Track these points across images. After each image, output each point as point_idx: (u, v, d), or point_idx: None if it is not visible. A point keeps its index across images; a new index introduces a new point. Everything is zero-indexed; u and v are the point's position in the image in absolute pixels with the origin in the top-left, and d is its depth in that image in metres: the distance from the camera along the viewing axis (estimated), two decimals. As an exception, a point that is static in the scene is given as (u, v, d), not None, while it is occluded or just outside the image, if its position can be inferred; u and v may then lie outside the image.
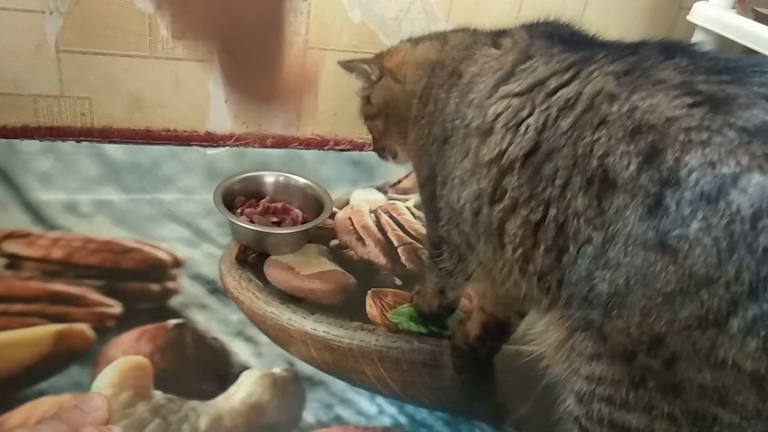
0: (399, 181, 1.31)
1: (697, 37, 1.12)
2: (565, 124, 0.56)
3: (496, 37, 0.76)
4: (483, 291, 0.86)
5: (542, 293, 0.61)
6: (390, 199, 1.26)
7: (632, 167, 0.51)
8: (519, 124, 0.60)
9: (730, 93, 0.50)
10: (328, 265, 1.06)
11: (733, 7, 1.07)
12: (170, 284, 0.95)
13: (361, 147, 1.29)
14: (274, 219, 1.10)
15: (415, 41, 0.91)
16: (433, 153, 0.79)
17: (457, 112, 0.72)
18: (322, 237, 1.12)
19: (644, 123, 0.51)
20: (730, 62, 0.53)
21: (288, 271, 1.03)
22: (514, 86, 0.63)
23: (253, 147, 1.21)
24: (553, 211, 0.57)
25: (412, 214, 1.22)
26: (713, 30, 1.08)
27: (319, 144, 1.26)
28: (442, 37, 0.87)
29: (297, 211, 1.12)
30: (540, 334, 0.63)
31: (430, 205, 0.83)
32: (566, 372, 0.58)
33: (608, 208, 0.52)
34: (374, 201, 1.25)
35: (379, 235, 1.15)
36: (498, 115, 0.63)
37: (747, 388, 0.47)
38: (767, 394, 0.46)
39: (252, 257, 1.04)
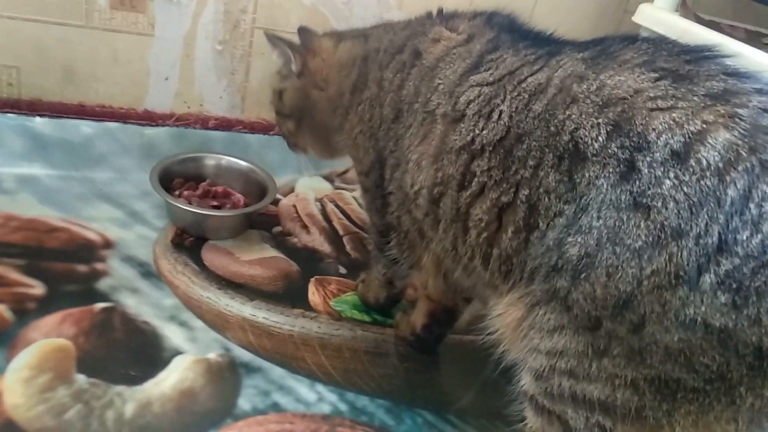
0: (346, 171, 1.28)
1: (641, 39, 1.14)
2: (537, 107, 0.57)
3: (444, 17, 0.76)
4: (426, 280, 0.85)
5: (501, 276, 0.60)
6: (336, 188, 1.24)
7: (602, 137, 0.52)
8: (491, 111, 0.61)
9: (691, 69, 0.52)
10: (270, 252, 1.02)
11: (677, 10, 1.11)
12: (99, 266, 0.90)
13: (308, 134, 1.26)
14: (214, 203, 1.06)
15: (337, 39, 0.89)
16: (381, 137, 0.77)
17: (416, 94, 0.71)
18: (264, 223, 1.08)
19: (613, 96, 0.53)
20: (686, 46, 0.56)
21: (227, 256, 0.99)
22: (485, 75, 0.64)
23: (194, 128, 1.17)
24: (524, 192, 0.57)
25: (359, 203, 1.20)
26: (657, 31, 1.11)
27: (265, 128, 1.22)
28: (362, 36, 0.87)
29: (239, 195, 1.08)
30: (495, 317, 0.61)
31: (375, 191, 0.81)
32: (524, 351, 0.58)
33: (580, 181, 0.52)
34: (320, 189, 1.22)
35: (324, 224, 1.12)
36: (469, 103, 0.63)
37: (713, 348, 0.47)
38: (732, 353, 0.47)
39: (189, 241, 0.99)
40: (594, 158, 0.52)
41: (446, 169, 0.64)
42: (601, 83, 0.54)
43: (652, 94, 0.51)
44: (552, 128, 0.55)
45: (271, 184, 1.08)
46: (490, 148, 0.59)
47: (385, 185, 0.78)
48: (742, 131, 0.47)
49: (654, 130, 0.49)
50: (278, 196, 1.13)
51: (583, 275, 0.51)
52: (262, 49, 1.16)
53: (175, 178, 1.06)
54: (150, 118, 1.14)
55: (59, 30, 1.03)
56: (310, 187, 1.22)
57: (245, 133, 1.21)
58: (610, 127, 0.52)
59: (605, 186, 0.51)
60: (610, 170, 0.51)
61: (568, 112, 0.55)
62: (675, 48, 0.56)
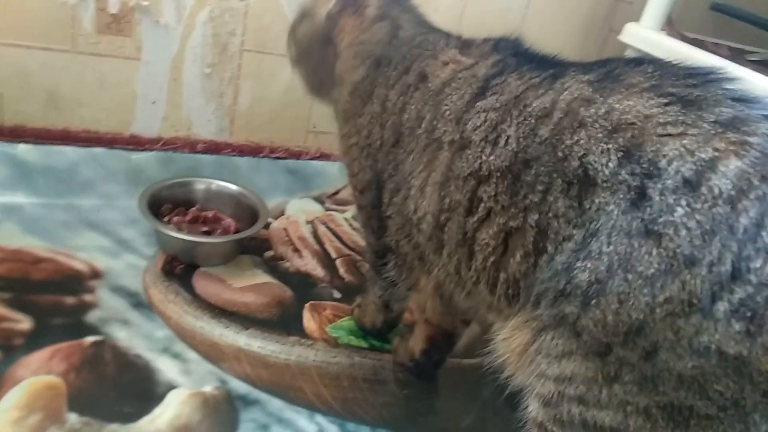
0: (337, 192, 1.27)
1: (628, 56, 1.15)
2: (544, 131, 0.56)
3: (460, 42, 0.75)
4: (424, 303, 0.84)
5: (507, 300, 0.59)
6: (327, 210, 1.22)
7: (612, 163, 0.51)
8: (498, 137, 0.60)
9: (698, 94, 0.52)
10: (263, 277, 1.00)
11: (662, 29, 1.12)
12: (88, 297, 0.87)
13: (298, 155, 1.25)
14: (205, 228, 1.04)
15: (379, 15, 0.83)
16: (380, 158, 0.76)
17: (419, 119, 0.69)
18: (256, 248, 1.06)
19: (622, 121, 0.52)
20: (691, 69, 0.55)
21: (219, 283, 0.97)
22: (491, 100, 0.63)
23: (183, 152, 1.15)
24: (533, 217, 0.56)
25: (351, 225, 1.18)
26: (643, 50, 1.12)
27: (254, 151, 1.21)
28: (393, 27, 0.81)
29: (229, 220, 1.06)
30: (500, 341, 0.61)
31: (372, 211, 0.80)
32: (531, 376, 0.57)
33: (590, 207, 0.52)
34: (311, 211, 1.21)
35: (317, 247, 1.11)
36: (476, 129, 0.62)
37: (727, 375, 0.47)
38: (746, 380, 0.46)
39: (180, 268, 0.97)
40: (604, 184, 0.51)
41: (453, 195, 0.63)
42: (609, 107, 0.54)
43: (662, 120, 0.51)
44: (560, 153, 0.55)
45: (263, 207, 1.06)
46: (498, 174, 0.59)
47: (383, 209, 0.77)
48: (754, 159, 0.47)
49: (665, 156, 0.49)
50: (269, 219, 1.11)
51: (593, 301, 0.51)
52: (251, 72, 1.15)
53: (163, 204, 1.04)
54: (137, 143, 1.12)
55: (44, 55, 1.01)
56: (301, 210, 1.20)
57: (234, 156, 1.19)
58: (621, 154, 0.51)
59: (616, 212, 0.50)
60: (621, 197, 0.50)
61: (576, 137, 0.54)
62: (681, 71, 0.55)
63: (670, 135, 0.50)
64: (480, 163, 0.60)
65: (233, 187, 1.09)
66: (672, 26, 1.13)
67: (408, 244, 0.73)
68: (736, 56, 1.18)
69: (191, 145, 1.16)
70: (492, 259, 0.59)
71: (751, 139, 0.48)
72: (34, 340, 0.78)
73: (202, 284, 0.95)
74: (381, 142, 0.75)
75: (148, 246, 1.00)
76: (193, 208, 1.06)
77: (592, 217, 0.52)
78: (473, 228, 0.61)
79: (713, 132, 0.49)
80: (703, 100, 0.51)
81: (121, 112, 1.10)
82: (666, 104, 0.52)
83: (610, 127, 0.53)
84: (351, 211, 1.22)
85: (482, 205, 0.60)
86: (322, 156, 1.28)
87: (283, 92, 1.20)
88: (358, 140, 0.79)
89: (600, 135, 0.53)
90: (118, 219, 1.04)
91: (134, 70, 1.07)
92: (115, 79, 1.07)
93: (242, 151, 1.20)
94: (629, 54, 1.15)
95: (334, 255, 1.09)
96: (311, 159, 1.27)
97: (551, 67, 0.63)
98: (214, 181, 1.10)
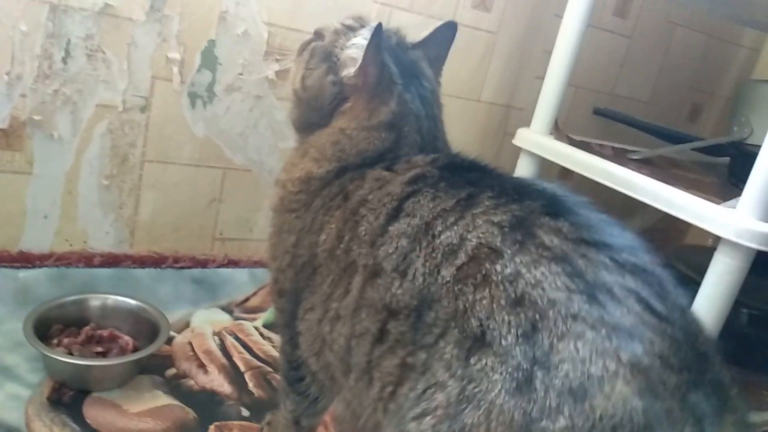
0: (246, 299, 1.23)
1: (522, 159, 1.23)
2: (446, 273, 0.55)
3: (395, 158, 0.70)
4: (343, 415, 0.79)
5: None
6: (236, 319, 1.18)
7: (510, 338, 0.49)
8: (407, 269, 0.58)
9: (607, 282, 0.50)
10: (163, 399, 0.93)
11: (551, 133, 1.20)
12: (-44, 439, 0.77)
13: (204, 264, 1.21)
14: (99, 348, 0.97)
15: (379, 123, 0.72)
16: (302, 277, 0.71)
17: (338, 239, 0.66)
18: (156, 366, 0.99)
19: (527, 296, 0.50)
20: (604, 233, 0.54)
21: (113, 409, 0.89)
22: (403, 225, 0.60)
23: (77, 267, 1.08)
24: (422, 356, 0.54)
25: (261, 334, 1.14)
26: (535, 152, 1.20)
27: (156, 262, 1.16)
28: (397, 142, 0.72)
29: (127, 338, 1.00)
30: None
31: (289, 319, 0.75)
32: None
33: (474, 363, 0.49)
34: (218, 322, 1.15)
35: (224, 360, 1.05)
36: (388, 256, 0.60)
37: None
38: None
39: (68, 396, 0.89)
40: (498, 352, 0.49)
41: (364, 323, 0.60)
42: (515, 271, 0.51)
43: (563, 311, 0.48)
44: (461, 305, 0.52)
45: (164, 322, 1.01)
46: (406, 311, 0.57)
47: (296, 324, 0.73)
48: (642, 388, 0.45)
49: (559, 353, 0.47)
50: (172, 333, 1.05)
51: None
52: (152, 182, 1.13)
53: (53, 325, 0.97)
54: (25, 260, 1.05)
55: None
56: (208, 321, 1.15)
57: (135, 268, 1.14)
58: (521, 331, 0.49)
59: (500, 386, 0.48)
60: (509, 371, 0.48)
61: (479, 295, 0.52)
62: (593, 236, 0.53)
63: (568, 331, 0.47)
64: (390, 297, 0.58)
65: (132, 301, 1.04)
66: (559, 130, 1.21)
67: (317, 363, 0.70)
68: (619, 155, 1.28)
69: (87, 259, 1.10)
70: (389, 389, 0.57)
71: (644, 361, 0.46)
72: None
73: (93, 412, 0.87)
74: (303, 261, 0.71)
75: (34, 373, 0.91)
76: (87, 327, 0.99)
77: (472, 374, 0.49)
78: (378, 357, 0.59)
79: (608, 344, 0.46)
80: (608, 291, 0.49)
81: (8, 228, 1.04)
82: (572, 291, 0.49)
83: (514, 296, 0.50)
84: (262, 319, 1.18)
85: (390, 336, 0.58)
86: (230, 263, 1.25)
87: (188, 201, 1.18)
88: (286, 243, 0.74)
89: (503, 302, 0.50)
90: (0, 344, 0.95)
91: (24, 185, 1.02)
92: (1, 194, 1.01)
93: (144, 262, 1.15)
94: (523, 158, 1.22)
95: (242, 368, 1.04)
96: (218, 267, 1.23)
97: (469, 185, 0.61)
98: (111, 296, 1.04)
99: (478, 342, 0.50)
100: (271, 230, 0.78)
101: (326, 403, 0.79)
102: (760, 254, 0.90)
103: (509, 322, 0.49)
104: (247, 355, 1.08)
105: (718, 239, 0.87)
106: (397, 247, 0.59)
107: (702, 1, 1.43)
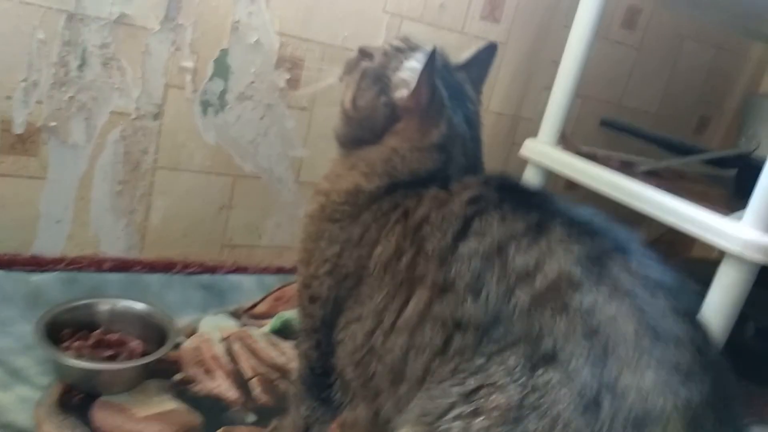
0: (254, 306, 1.24)
1: (528, 170, 1.23)
2: (523, 296, 0.57)
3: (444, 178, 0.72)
4: (358, 422, 0.79)
5: None
6: (243, 325, 1.19)
7: (581, 361, 0.52)
8: (480, 288, 0.59)
9: (665, 323, 0.53)
10: (170, 404, 0.94)
11: (558, 144, 1.21)
12: (-33, 439, 0.78)
13: (212, 270, 1.22)
14: (109, 352, 0.98)
15: (430, 144, 0.72)
16: (344, 287, 0.72)
17: (397, 254, 0.67)
18: (164, 371, 1.00)
19: (600, 330, 0.53)
20: (661, 273, 0.58)
21: (121, 413, 0.90)
22: (473, 245, 0.62)
23: (88, 271, 1.10)
24: (479, 361, 0.56)
25: (269, 341, 1.15)
26: (542, 163, 1.20)
27: (166, 267, 1.18)
28: (445, 164, 0.73)
29: (136, 342, 1.01)
30: None
31: (320, 325, 0.75)
32: None
33: (541, 375, 0.52)
34: (226, 328, 1.16)
35: (230, 366, 1.06)
36: (460, 275, 0.61)
37: None
38: None
39: (78, 399, 0.90)
40: (566, 370, 0.52)
41: (427, 335, 0.61)
42: (593, 305, 0.54)
43: (632, 345, 0.52)
44: (536, 327, 0.55)
45: (172, 327, 1.02)
46: (475, 327, 0.58)
47: (335, 331, 0.73)
48: (690, 427, 0.49)
49: (625, 383, 0.50)
50: (180, 338, 1.06)
51: None
52: (164, 188, 1.14)
53: (64, 328, 0.98)
54: (37, 264, 1.06)
55: (-61, 175, 0.97)
56: (215, 327, 1.16)
57: (144, 273, 1.15)
58: (592, 358, 0.51)
59: (566, 401, 0.50)
60: (576, 391, 0.50)
61: (556, 322, 0.54)
62: (659, 279, 0.57)
63: (635, 363, 0.51)
64: (461, 313, 0.60)
65: (140, 306, 1.05)
66: (567, 140, 1.22)
67: (354, 371, 0.70)
68: (626, 168, 1.28)
69: (98, 264, 1.11)
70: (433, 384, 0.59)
71: (694, 403, 0.50)
72: None
73: (101, 416, 0.88)
74: (346, 271, 0.72)
75: (44, 375, 0.92)
76: (97, 331, 1.00)
77: (538, 386, 0.52)
78: (436, 366, 0.60)
79: (670, 380, 0.50)
80: (669, 335, 0.53)
81: (22, 232, 1.05)
82: (641, 325, 0.52)
83: (588, 330, 0.53)
84: (269, 325, 1.19)
85: (452, 348, 0.59)
86: (239, 269, 1.26)
87: (198, 207, 1.19)
88: (326, 252, 0.74)
89: (579, 332, 0.53)
90: (11, 347, 0.96)
91: (38, 189, 1.04)
92: (16, 198, 1.03)
93: (153, 267, 1.17)
94: (529, 169, 1.23)
95: (249, 374, 1.05)
96: (227, 273, 1.25)
97: (534, 209, 0.63)
98: (120, 301, 1.05)
99: (548, 358, 0.53)
100: (304, 236, 0.78)
101: (342, 411, 0.79)
102: (764, 267, 0.90)
103: (583, 347, 0.52)
104: (254, 361, 1.08)
105: (722, 252, 0.88)
106: (470, 266, 0.61)
107: (710, 13, 1.44)
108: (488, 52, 0.82)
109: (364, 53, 0.79)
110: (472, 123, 0.77)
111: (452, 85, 0.76)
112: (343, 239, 0.73)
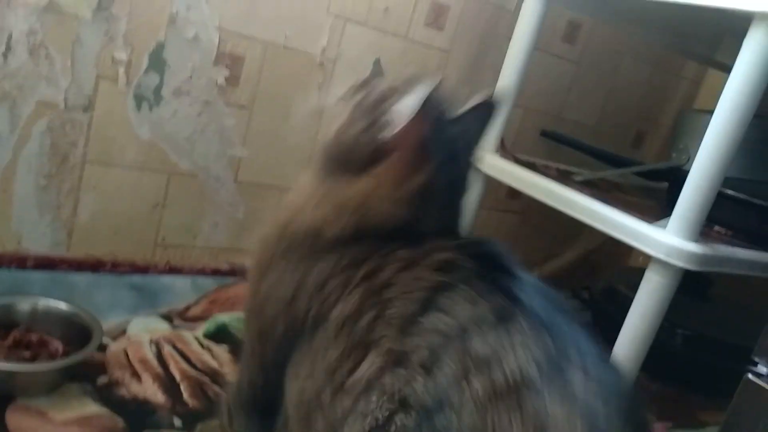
0: (188, 308, 1.21)
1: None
2: (478, 386, 0.54)
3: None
4: None
5: None
6: (176, 328, 1.15)
7: None
8: (432, 367, 0.56)
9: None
10: (91, 408, 0.90)
11: (497, 151, 1.23)
12: None
13: (144, 270, 1.19)
14: (27, 354, 0.93)
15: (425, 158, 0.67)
16: (293, 333, 0.68)
17: (358, 314, 0.62)
18: (88, 374, 0.96)
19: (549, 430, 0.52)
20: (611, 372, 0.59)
21: (38, 417, 0.85)
22: (436, 321, 0.58)
23: (9, 268, 1.05)
24: None
25: (201, 344, 1.12)
26: (481, 170, 1.22)
27: (94, 266, 1.13)
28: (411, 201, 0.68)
29: (57, 343, 0.96)
30: None
31: (262, 359, 0.72)
32: None
33: None
34: (156, 330, 1.13)
35: (159, 370, 1.02)
36: (416, 349, 0.57)
37: None
38: None
39: (-9, 402, 0.85)
40: None
41: (370, 406, 0.58)
42: (546, 406, 0.52)
43: None
44: (489, 423, 0.52)
45: (97, 328, 0.98)
46: (419, 409, 0.55)
47: (281, 378, 0.69)
48: None
49: None
50: (107, 340, 1.02)
51: None
52: (93, 183, 1.10)
53: (-22, 328, 0.93)
54: (-49, 261, 1.01)
55: None
56: (145, 329, 1.12)
57: (71, 272, 1.11)
58: None
59: None
60: None
61: (510, 419, 0.52)
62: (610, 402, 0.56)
63: None
64: (409, 390, 0.56)
65: (63, 305, 1.00)
66: (505, 149, 1.24)
67: (298, 423, 0.66)
68: (564, 177, 1.31)
69: (20, 261, 1.06)
70: None
71: None
72: None
73: (16, 419, 0.84)
74: (300, 317, 0.67)
75: (-46, 378, 0.87)
76: (15, 331, 0.95)
77: None
78: None
79: None
80: None
81: (-64, 226, 1.00)
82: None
83: (539, 429, 0.51)
84: (203, 329, 1.16)
85: (392, 428, 0.56)
86: (172, 270, 1.22)
87: (130, 205, 1.15)
88: (278, 292, 0.69)
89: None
90: None
91: (-44, 183, 0.99)
92: (-70, 190, 0.98)
93: (80, 266, 1.12)
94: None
95: (178, 377, 1.02)
96: (159, 273, 1.21)
97: (502, 292, 0.60)
98: (42, 300, 1.00)
99: None
100: (254, 261, 0.73)
101: None
102: (694, 277, 0.93)
103: None
104: (185, 365, 1.05)
105: (648, 258, 0.90)
106: (428, 343, 0.57)
107: (647, 32, 1.50)
108: (484, 109, 0.77)
109: (367, 84, 0.74)
110: (456, 182, 0.72)
111: (444, 139, 0.70)
112: (296, 281, 0.68)
